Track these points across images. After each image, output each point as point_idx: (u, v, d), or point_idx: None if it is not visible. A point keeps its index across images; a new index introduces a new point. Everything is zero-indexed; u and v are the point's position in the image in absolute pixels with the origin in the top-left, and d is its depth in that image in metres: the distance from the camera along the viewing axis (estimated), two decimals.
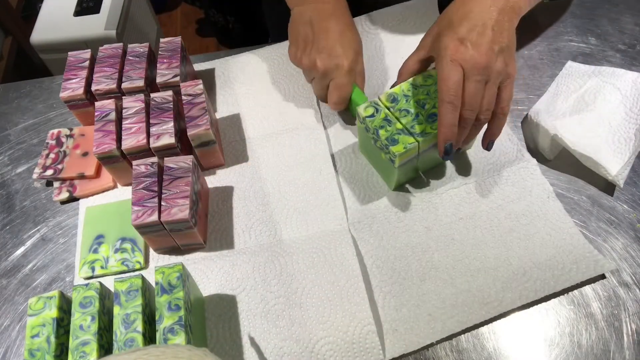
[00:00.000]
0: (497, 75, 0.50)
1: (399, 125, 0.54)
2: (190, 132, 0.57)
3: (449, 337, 0.51)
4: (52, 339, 0.46)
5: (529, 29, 0.76)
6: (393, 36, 0.73)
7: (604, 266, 0.53)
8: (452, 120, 0.50)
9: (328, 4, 0.63)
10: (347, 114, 0.67)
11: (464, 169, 0.61)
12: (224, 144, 0.66)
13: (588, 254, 0.54)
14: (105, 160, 0.58)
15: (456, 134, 0.51)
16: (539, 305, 0.52)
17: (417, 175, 0.61)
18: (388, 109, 0.55)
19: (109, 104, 0.60)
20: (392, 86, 0.58)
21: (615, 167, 0.56)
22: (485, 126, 0.55)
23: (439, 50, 0.51)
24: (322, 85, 0.62)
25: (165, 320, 0.46)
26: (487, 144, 0.56)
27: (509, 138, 0.63)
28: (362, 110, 0.55)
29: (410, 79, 0.57)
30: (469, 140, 0.55)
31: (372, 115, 0.55)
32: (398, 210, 0.59)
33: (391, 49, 0.72)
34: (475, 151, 0.62)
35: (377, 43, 0.73)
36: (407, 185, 0.60)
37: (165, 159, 0.56)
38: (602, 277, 0.53)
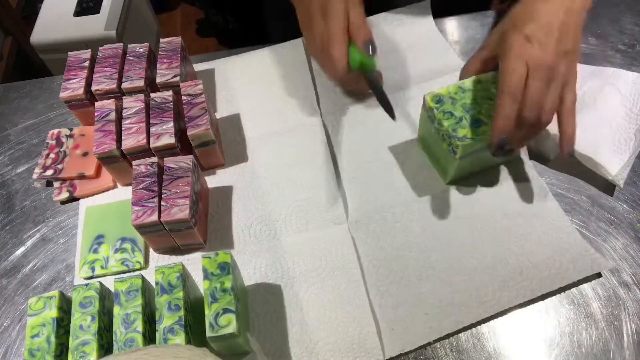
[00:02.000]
0: (561, 77, 0.49)
1: (466, 117, 0.54)
2: (190, 132, 0.57)
3: (447, 337, 0.51)
4: (52, 339, 0.46)
5: None
6: (388, 40, 0.73)
7: (600, 265, 0.53)
8: (510, 113, 0.49)
9: None
10: (347, 112, 0.67)
11: None
12: (224, 144, 0.66)
13: (585, 253, 0.54)
14: (105, 160, 0.58)
15: (512, 129, 0.50)
16: (539, 305, 0.52)
17: (475, 172, 0.60)
18: (452, 99, 0.55)
19: (109, 104, 0.60)
20: None
21: (615, 167, 0.56)
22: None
23: (504, 47, 0.50)
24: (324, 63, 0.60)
25: (165, 320, 0.46)
26: (568, 151, 0.53)
27: None
28: (429, 99, 0.55)
29: (459, 82, 0.56)
30: (524, 141, 0.53)
31: (438, 104, 0.55)
32: (395, 210, 0.59)
33: (386, 52, 0.72)
34: None
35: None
36: (406, 185, 0.60)
37: (165, 159, 0.56)
38: (600, 276, 0.53)
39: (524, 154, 0.62)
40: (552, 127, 0.59)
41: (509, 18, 0.53)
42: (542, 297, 0.52)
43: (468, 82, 0.56)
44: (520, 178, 0.60)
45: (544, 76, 0.48)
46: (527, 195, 0.58)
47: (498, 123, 0.50)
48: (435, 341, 0.51)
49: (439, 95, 0.56)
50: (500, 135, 0.50)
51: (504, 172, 0.60)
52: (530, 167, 0.60)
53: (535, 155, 0.62)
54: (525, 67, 0.49)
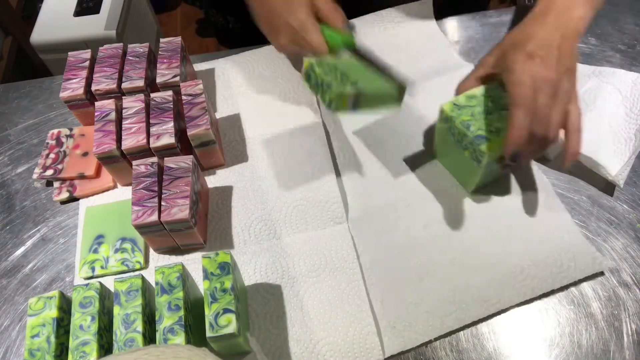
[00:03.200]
0: (565, 93, 0.50)
1: (486, 124, 0.53)
2: (190, 132, 0.57)
3: (448, 334, 0.51)
4: (52, 339, 0.46)
5: None
6: (389, 38, 0.74)
7: (601, 264, 0.53)
8: (524, 124, 0.49)
9: None
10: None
11: None
12: (224, 144, 0.66)
13: (586, 252, 0.54)
14: (105, 160, 0.58)
15: (525, 141, 0.49)
16: (539, 305, 0.52)
17: (494, 180, 0.59)
18: (470, 107, 0.54)
19: (109, 104, 0.60)
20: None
21: (615, 167, 0.56)
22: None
23: (507, 63, 0.51)
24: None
25: (165, 320, 0.46)
26: (568, 166, 0.53)
27: None
28: (447, 108, 0.54)
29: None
30: (531, 157, 0.53)
31: (457, 112, 0.54)
32: (396, 208, 0.59)
33: (387, 50, 0.72)
34: None
35: (373, 44, 0.73)
36: (407, 183, 0.60)
37: (165, 159, 0.56)
38: (601, 274, 0.53)
39: None
40: None
41: (507, 39, 0.54)
42: (543, 296, 0.52)
43: (462, 99, 0.55)
44: (522, 177, 0.60)
45: (550, 91, 0.49)
46: (528, 193, 0.58)
47: (513, 135, 0.49)
48: (436, 339, 0.51)
49: (456, 104, 0.55)
50: (514, 148, 0.50)
51: (505, 170, 0.60)
52: (533, 166, 0.60)
53: None
54: (532, 81, 0.49)
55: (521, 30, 0.53)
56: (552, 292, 0.53)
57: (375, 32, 0.75)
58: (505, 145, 0.50)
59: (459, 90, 0.57)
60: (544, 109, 0.49)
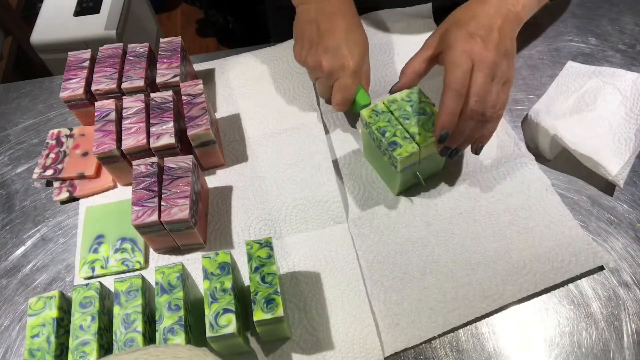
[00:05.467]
0: (501, 75, 0.51)
1: (401, 130, 0.54)
2: (190, 132, 0.57)
3: (450, 331, 0.51)
4: (52, 339, 0.46)
5: (529, 29, 0.76)
6: (388, 38, 0.74)
7: (602, 258, 0.53)
8: (454, 109, 0.50)
9: (334, 2, 0.61)
10: (349, 114, 0.67)
11: (462, 164, 0.61)
12: (224, 144, 0.66)
13: (587, 247, 0.54)
14: (105, 160, 0.58)
15: (454, 124, 0.51)
16: (539, 305, 0.52)
17: (420, 181, 0.59)
18: (391, 112, 0.55)
19: (109, 104, 0.60)
20: (394, 86, 0.58)
21: (615, 167, 0.56)
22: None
23: (448, 42, 0.52)
24: (327, 86, 0.61)
25: (165, 320, 0.46)
26: (477, 148, 0.55)
27: (506, 132, 0.63)
28: (366, 114, 0.55)
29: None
30: (470, 139, 0.54)
31: (375, 118, 0.55)
32: (398, 206, 0.59)
33: (385, 49, 0.72)
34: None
35: (371, 43, 0.73)
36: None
37: (165, 159, 0.56)
38: (602, 273, 0.53)
39: (525, 148, 0.62)
40: (552, 127, 0.59)
41: (450, 19, 0.55)
42: (545, 291, 0.53)
43: (398, 96, 0.56)
44: (522, 173, 0.60)
45: (489, 71, 0.50)
46: (528, 189, 0.58)
47: (441, 119, 0.50)
48: (439, 336, 0.51)
49: (375, 110, 0.55)
50: (441, 131, 0.51)
51: (505, 168, 0.60)
52: (532, 162, 0.60)
53: (535, 155, 0.62)
54: (470, 62, 0.50)
55: (464, 10, 0.54)
56: (552, 292, 0.53)
57: (374, 30, 0.75)
58: (435, 127, 0.51)
59: (404, 72, 0.57)
60: (481, 88, 0.50)
